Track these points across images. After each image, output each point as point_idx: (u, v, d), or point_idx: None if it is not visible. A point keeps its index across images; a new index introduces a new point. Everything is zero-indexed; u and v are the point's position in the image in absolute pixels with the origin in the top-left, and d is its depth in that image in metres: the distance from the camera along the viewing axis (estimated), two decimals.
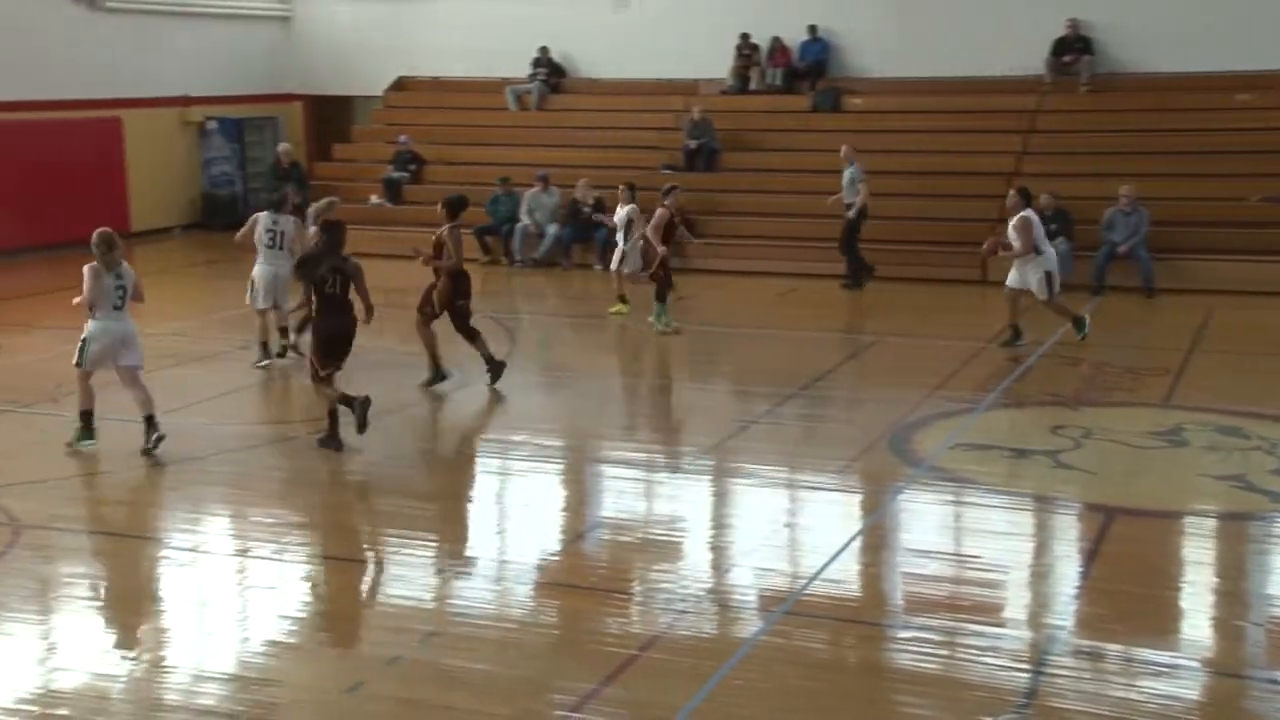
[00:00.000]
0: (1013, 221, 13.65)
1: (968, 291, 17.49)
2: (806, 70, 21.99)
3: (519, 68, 23.16)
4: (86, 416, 10.21)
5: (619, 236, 15.93)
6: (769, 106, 21.80)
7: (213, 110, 23.14)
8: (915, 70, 21.19)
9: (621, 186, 16.25)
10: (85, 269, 9.89)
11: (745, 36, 22.17)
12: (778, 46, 22.18)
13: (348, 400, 10.23)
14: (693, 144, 20.80)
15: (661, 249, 14.47)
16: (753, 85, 22.22)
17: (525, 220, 19.84)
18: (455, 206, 12.46)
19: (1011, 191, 14.04)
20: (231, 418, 11.47)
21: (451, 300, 12.33)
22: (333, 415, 10.32)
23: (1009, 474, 9.91)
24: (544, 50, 23.11)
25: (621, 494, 9.85)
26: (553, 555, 8.53)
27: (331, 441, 10.29)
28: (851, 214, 17.45)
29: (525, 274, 19.44)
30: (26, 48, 19.75)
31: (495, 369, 12.24)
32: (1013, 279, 13.86)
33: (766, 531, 8.74)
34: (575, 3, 23.02)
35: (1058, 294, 13.89)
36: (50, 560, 8.22)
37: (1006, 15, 20.83)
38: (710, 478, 10.09)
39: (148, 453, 9.97)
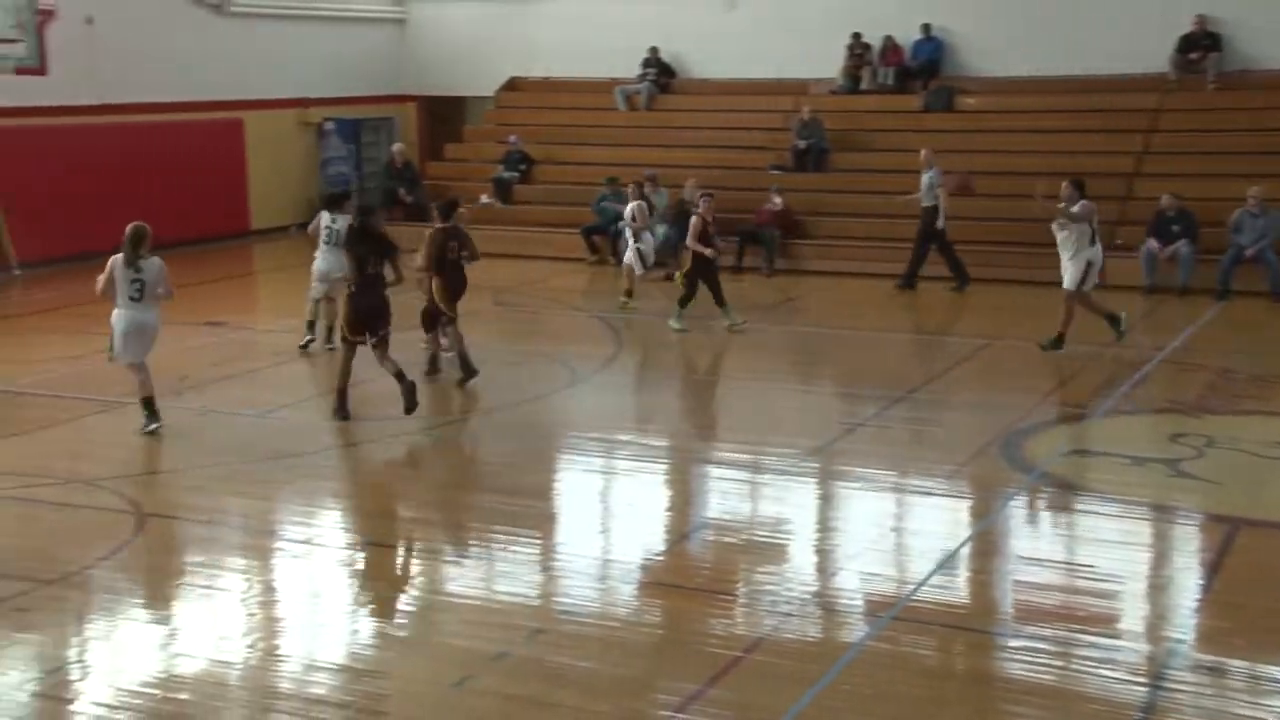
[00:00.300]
0: (1074, 209, 13.13)
1: None
2: (919, 70, 21.71)
3: (629, 68, 23.23)
4: (147, 403, 10.64)
5: (627, 233, 16.36)
6: (880, 106, 21.57)
7: (330, 111, 23.62)
8: (1032, 69, 20.78)
9: (631, 185, 16.90)
10: (110, 260, 10.39)
11: (857, 36, 21.95)
12: (890, 46, 21.93)
13: (343, 391, 11.04)
14: (802, 144, 20.66)
15: (708, 251, 14.50)
16: (864, 85, 22.00)
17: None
18: (444, 209, 12.63)
19: (1065, 183, 13.47)
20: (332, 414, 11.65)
21: (452, 299, 12.30)
22: (341, 392, 11.07)
23: (1125, 482, 9.65)
24: (654, 50, 23.16)
25: (726, 495, 9.82)
26: (657, 555, 8.53)
27: (339, 414, 11.01)
28: (939, 223, 17.35)
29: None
30: (156, 52, 20.34)
31: (407, 391, 11.04)
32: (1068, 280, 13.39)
33: (873, 535, 8.63)
34: (685, 3, 23.01)
35: (1089, 289, 13.34)
36: (172, 549, 8.46)
37: (1129, 12, 20.32)
38: (816, 480, 10.00)
39: (151, 433, 10.54)
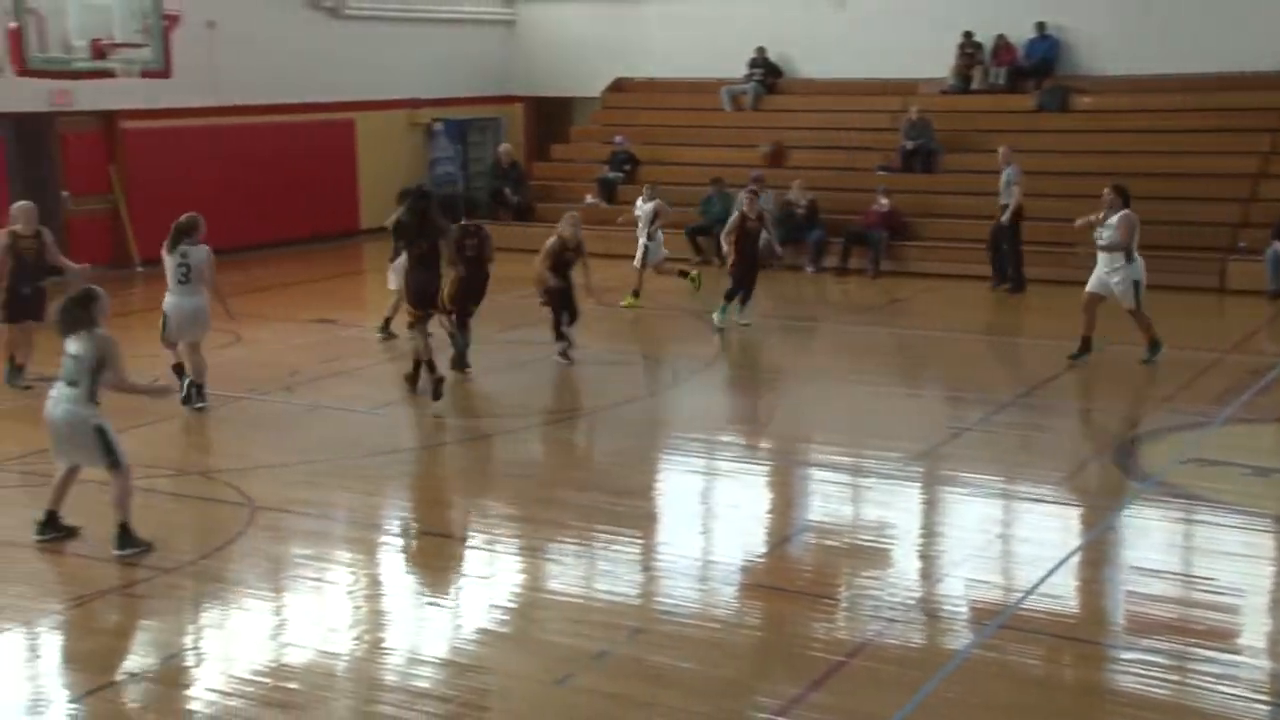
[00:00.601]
0: (1113, 219, 12.64)
1: (1205, 299, 16.63)
2: (1033, 69, 21.29)
3: (735, 68, 23.16)
4: (194, 386, 11.33)
5: (640, 232, 16.45)
6: (991, 106, 21.19)
7: (439, 112, 23.94)
8: (1151, 67, 20.24)
9: (645, 186, 17.06)
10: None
11: (968, 35, 21.60)
12: (1002, 44, 21.55)
13: (430, 366, 11.51)
14: (910, 145, 20.40)
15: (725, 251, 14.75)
16: (975, 85, 21.64)
17: None
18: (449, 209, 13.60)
19: (1107, 189, 12.94)
20: (449, 410, 11.80)
21: (458, 297, 12.57)
22: (417, 364, 11.73)
23: (1247, 493, 9.35)
24: (760, 50, 23.06)
25: (829, 498, 9.73)
26: (759, 557, 8.48)
27: (411, 384, 11.81)
28: (1005, 217, 17.05)
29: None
30: (274, 54, 20.82)
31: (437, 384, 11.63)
32: (1094, 283, 12.90)
33: (980, 542, 8.48)
34: (793, 2, 22.87)
35: (1143, 306, 12.80)
36: (283, 541, 8.63)
37: (1254, 7, 19.69)
38: (920, 485, 9.85)
39: (195, 409, 11.18)
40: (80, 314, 8.18)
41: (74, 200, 18.39)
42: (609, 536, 8.63)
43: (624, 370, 13.40)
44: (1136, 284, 12.63)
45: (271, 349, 13.81)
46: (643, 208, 16.65)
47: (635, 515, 9.19)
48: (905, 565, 8.28)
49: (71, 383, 8.06)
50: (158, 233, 18.79)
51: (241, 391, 12.28)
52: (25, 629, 7.28)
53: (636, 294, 16.32)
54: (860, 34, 22.05)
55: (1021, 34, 21.37)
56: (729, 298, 14.93)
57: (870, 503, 9.56)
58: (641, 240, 16.48)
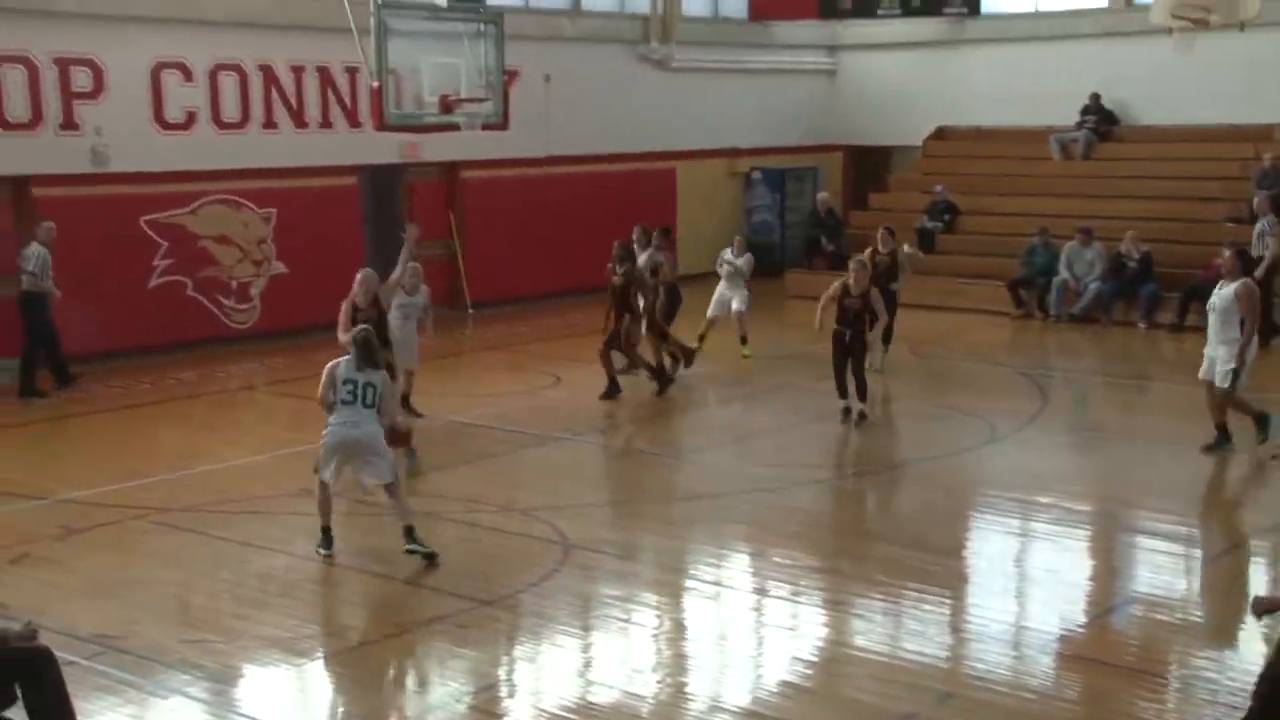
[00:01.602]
0: (1233, 289, 10.88)
1: None
2: None
3: (1066, 115, 22.30)
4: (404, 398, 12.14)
5: (723, 283, 16.12)
6: None
7: (757, 161, 24.23)
8: None
9: (738, 237, 16.81)
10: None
11: None
12: None
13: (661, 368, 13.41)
14: (1262, 194, 19.00)
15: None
16: None
17: (1064, 273, 19.04)
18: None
19: (1227, 251, 11.38)
20: (759, 459, 11.83)
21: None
22: (663, 364, 13.56)
23: None
24: (1095, 97, 22.09)
25: (1159, 568, 9.11)
26: (1078, 627, 8.04)
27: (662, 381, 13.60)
28: (1259, 271, 15.66)
29: (1060, 329, 18.62)
30: (602, 106, 21.67)
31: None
32: (1207, 369, 11.21)
33: None
34: (1131, 46, 21.76)
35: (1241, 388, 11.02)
36: (593, 580, 8.86)
37: None
38: (1266, 560, 9.09)
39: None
40: (379, 350, 9.22)
41: (416, 245, 19.64)
42: (918, 595, 8.40)
43: (939, 424, 13.05)
44: (1244, 364, 11.01)
45: (588, 392, 14.26)
46: (736, 260, 16.18)
47: (946, 574, 8.91)
48: (1247, 648, 7.63)
49: (370, 405, 8.86)
50: (489, 277, 20.00)
51: (559, 431, 12.74)
52: (358, 650, 7.77)
53: (744, 340, 16.20)
54: (1209, 77, 20.68)
55: None
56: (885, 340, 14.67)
57: (1206, 575, 8.90)
58: (742, 293, 16.14)
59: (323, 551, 9.07)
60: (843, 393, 12.66)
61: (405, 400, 12.90)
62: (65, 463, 11.85)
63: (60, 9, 15.45)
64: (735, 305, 16.15)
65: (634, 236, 15.06)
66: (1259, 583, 8.77)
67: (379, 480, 8.99)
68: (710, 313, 16.29)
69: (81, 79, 15.76)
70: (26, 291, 14.20)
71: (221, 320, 17.15)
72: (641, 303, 14.07)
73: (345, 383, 8.91)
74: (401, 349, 12.24)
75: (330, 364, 9.06)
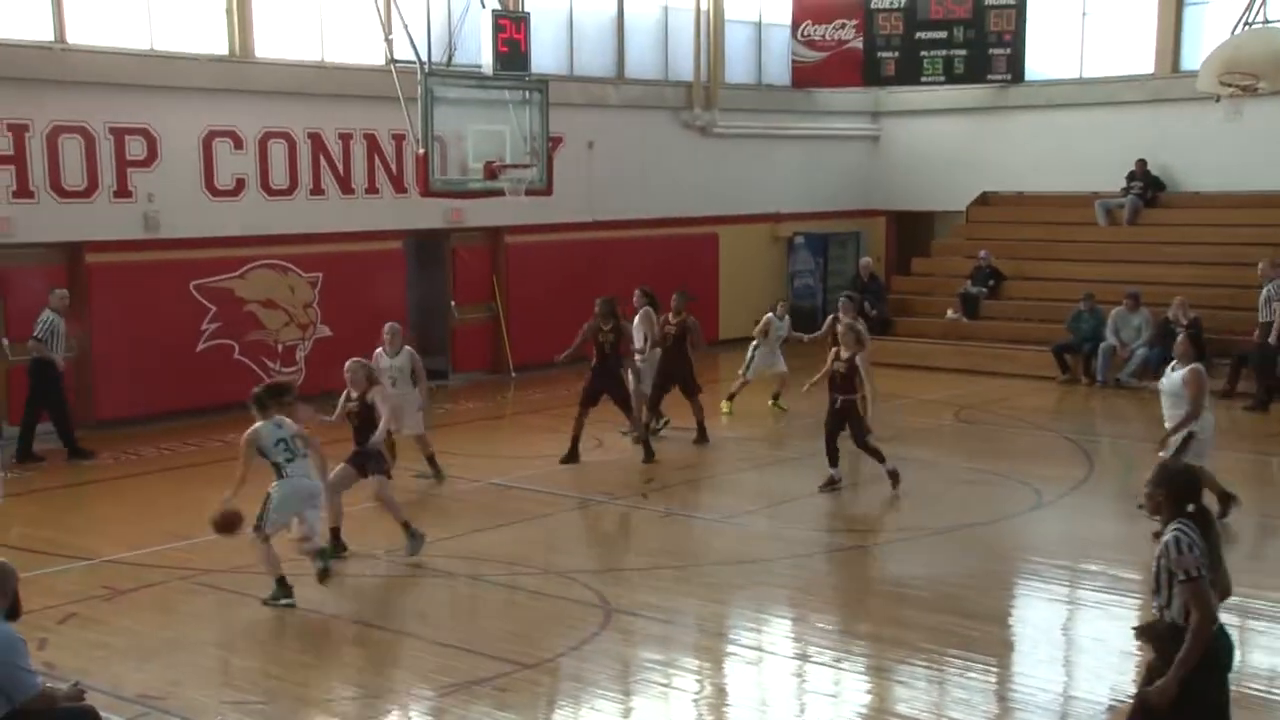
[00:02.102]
0: (1182, 374, 10.91)
1: None
2: None
3: (1111, 181, 22.25)
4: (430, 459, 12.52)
5: (763, 348, 16.49)
6: None
7: (800, 226, 24.30)
8: None
9: (780, 303, 17.21)
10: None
11: None
12: None
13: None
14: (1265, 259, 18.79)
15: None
16: None
17: (1110, 339, 18.90)
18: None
19: (1180, 336, 11.66)
20: (800, 522, 11.76)
21: None
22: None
23: None
24: (1141, 163, 22.04)
25: None
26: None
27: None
28: (1272, 337, 16.03)
29: (1107, 394, 18.45)
30: (644, 171, 21.86)
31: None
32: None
33: None
34: (1177, 112, 21.69)
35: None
36: (634, 644, 8.81)
37: None
38: None
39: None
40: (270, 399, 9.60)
41: (459, 310, 19.84)
42: (962, 662, 8.28)
43: (983, 489, 12.93)
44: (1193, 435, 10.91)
45: (629, 455, 14.26)
46: (780, 323, 16.64)
47: (991, 641, 8.78)
48: None
49: (303, 455, 9.56)
50: (532, 341, 20.09)
51: (599, 495, 12.73)
52: (399, 711, 7.75)
53: (777, 398, 16.65)
54: (1259, 143, 20.57)
55: None
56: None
57: (1261, 648, 8.72)
58: (780, 356, 16.59)
59: (284, 602, 9.21)
60: (832, 461, 12.57)
61: (431, 460, 13.01)
62: (111, 524, 11.96)
63: (117, 80, 15.84)
64: (779, 368, 16.53)
65: (634, 298, 15.29)
66: None
67: (314, 521, 9.66)
68: (749, 375, 16.49)
69: (136, 147, 16.12)
70: (34, 359, 14.17)
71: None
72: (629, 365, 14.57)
73: (278, 442, 9.37)
74: (403, 416, 12.23)
75: (248, 433, 9.32)
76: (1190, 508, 5.74)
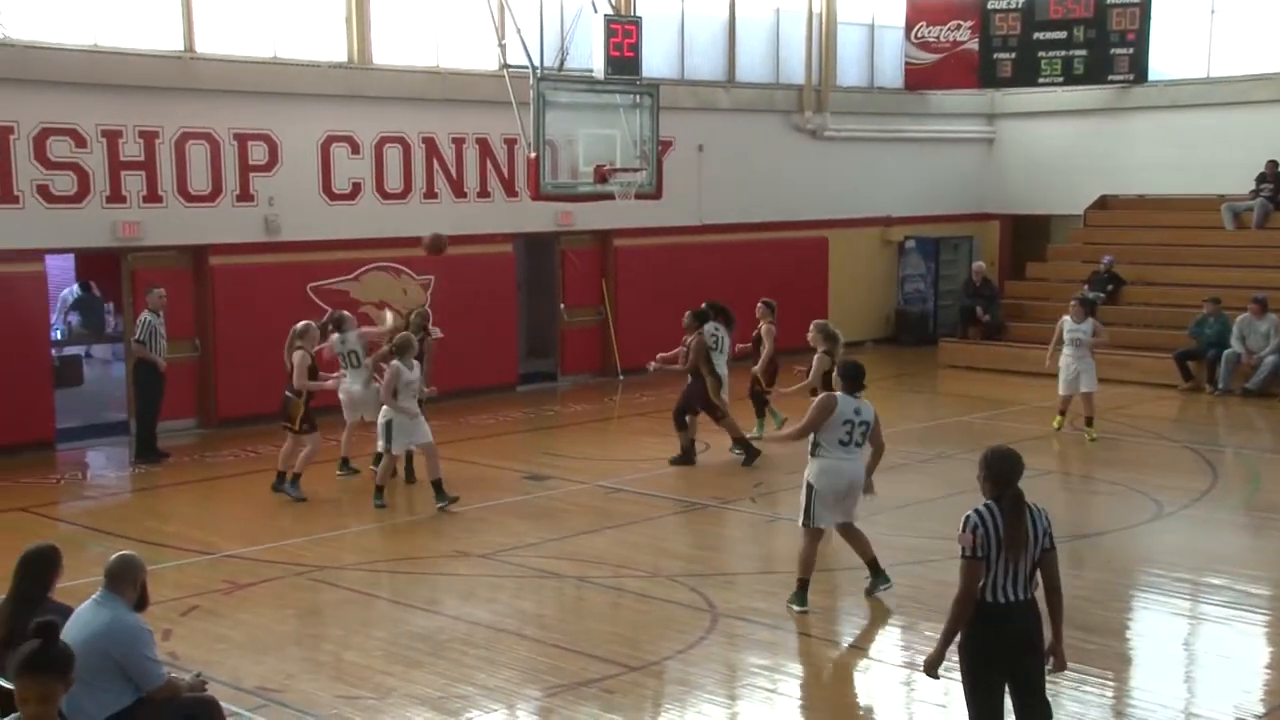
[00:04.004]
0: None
1: None
2: None
3: (1239, 183, 21.58)
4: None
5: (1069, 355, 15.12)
6: None
7: (911, 230, 24.00)
8: None
9: (1075, 303, 15.40)
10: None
11: None
12: None
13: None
14: None
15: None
16: None
17: (1235, 346, 18.32)
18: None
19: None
20: (913, 530, 11.60)
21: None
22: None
23: None
24: (1272, 165, 21.32)
25: None
26: (1255, 717, 7.62)
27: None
28: None
29: (1231, 403, 17.90)
30: (754, 175, 21.78)
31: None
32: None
33: None
34: None
35: None
36: (740, 649, 8.78)
37: None
38: None
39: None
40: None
41: (568, 312, 19.98)
42: (1077, 676, 8.07)
43: (1102, 499, 12.63)
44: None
45: (737, 459, 14.20)
46: (1079, 329, 15.29)
47: (1107, 655, 8.56)
48: None
49: (858, 445, 9.19)
50: (640, 344, 20.13)
51: (707, 499, 12.71)
52: (506, 710, 7.82)
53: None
54: None
55: None
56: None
57: None
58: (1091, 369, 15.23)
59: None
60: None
61: (379, 491, 12.42)
62: (231, 520, 12.28)
63: (242, 88, 16.28)
64: (1084, 386, 15.12)
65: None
66: None
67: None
68: (1063, 391, 15.32)
69: (258, 153, 16.54)
70: (137, 360, 14.56)
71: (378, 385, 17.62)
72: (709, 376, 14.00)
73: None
74: (407, 428, 12.22)
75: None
76: None
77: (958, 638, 6.06)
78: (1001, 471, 6.02)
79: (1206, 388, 18.44)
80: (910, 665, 8.52)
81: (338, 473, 13.62)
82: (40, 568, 6.39)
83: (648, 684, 8.12)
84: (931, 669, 6.18)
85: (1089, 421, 15.16)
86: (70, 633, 6.02)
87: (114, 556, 6.32)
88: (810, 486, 9.29)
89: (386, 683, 8.09)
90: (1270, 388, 17.92)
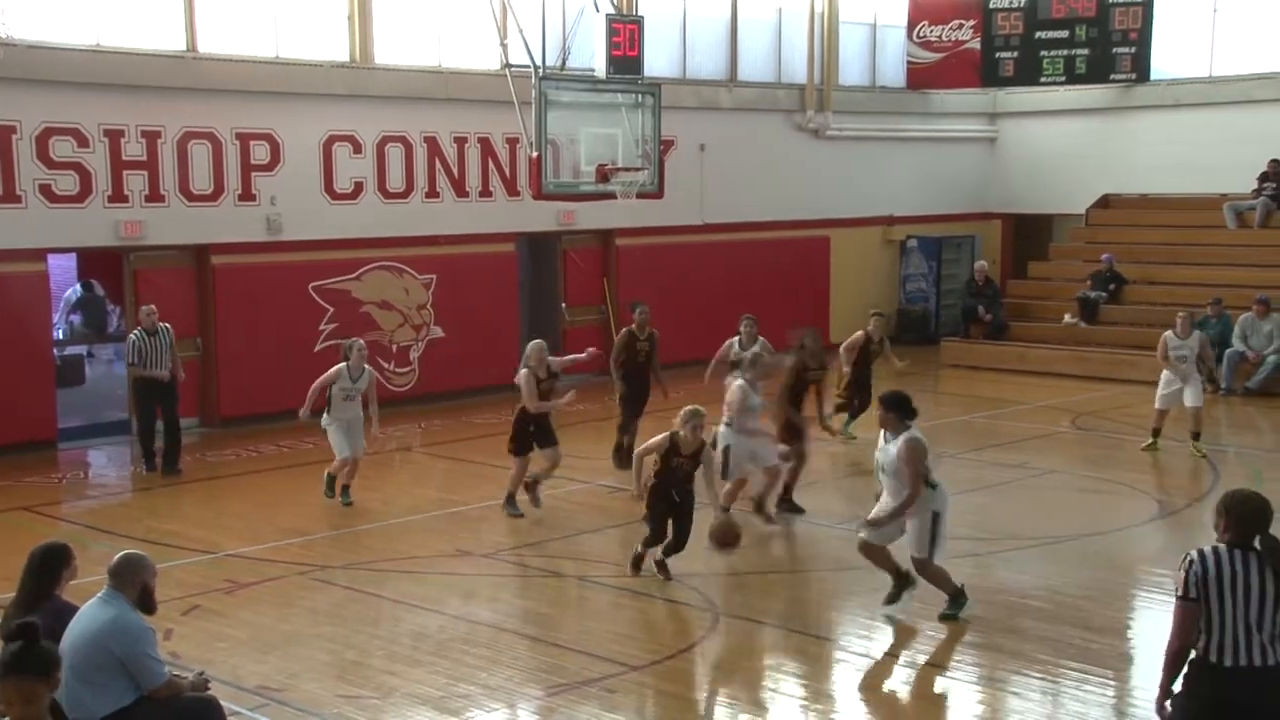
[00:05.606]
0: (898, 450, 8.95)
1: None
2: None
3: (1241, 183, 21.57)
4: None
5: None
6: None
7: (913, 229, 24.00)
8: None
9: (1181, 316, 14.56)
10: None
11: None
12: None
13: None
14: None
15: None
16: None
17: (1238, 345, 18.31)
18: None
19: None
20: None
21: None
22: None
23: None
24: (1274, 164, 21.31)
25: None
26: None
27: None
28: None
29: (1233, 402, 17.89)
30: (756, 174, 21.76)
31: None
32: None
33: None
34: None
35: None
36: (742, 649, 8.79)
37: None
38: None
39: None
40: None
41: (570, 311, 19.97)
42: (1079, 674, 8.09)
43: (1103, 498, 12.63)
44: (935, 515, 9.06)
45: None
46: (1188, 342, 14.47)
47: (1109, 654, 8.57)
48: None
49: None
50: None
51: (708, 498, 12.66)
52: (507, 710, 7.83)
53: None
54: None
55: None
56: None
57: None
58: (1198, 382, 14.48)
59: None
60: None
61: (345, 490, 12.30)
62: (233, 519, 12.28)
63: (244, 87, 16.28)
64: (1190, 400, 14.31)
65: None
66: None
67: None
68: (1160, 405, 14.51)
69: (260, 152, 16.54)
70: (136, 379, 14.04)
71: (381, 383, 17.61)
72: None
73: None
74: (348, 434, 12.12)
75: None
76: None
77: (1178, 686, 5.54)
78: (1244, 516, 5.39)
79: (1208, 388, 18.41)
80: (911, 664, 8.52)
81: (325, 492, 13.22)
82: (47, 565, 6.40)
83: (649, 684, 8.12)
84: (1159, 712, 5.62)
85: (1196, 435, 14.40)
86: (74, 630, 6.04)
87: (118, 555, 6.33)
88: (937, 516, 8.90)
89: (388, 682, 8.09)
90: (1272, 387, 17.91)
